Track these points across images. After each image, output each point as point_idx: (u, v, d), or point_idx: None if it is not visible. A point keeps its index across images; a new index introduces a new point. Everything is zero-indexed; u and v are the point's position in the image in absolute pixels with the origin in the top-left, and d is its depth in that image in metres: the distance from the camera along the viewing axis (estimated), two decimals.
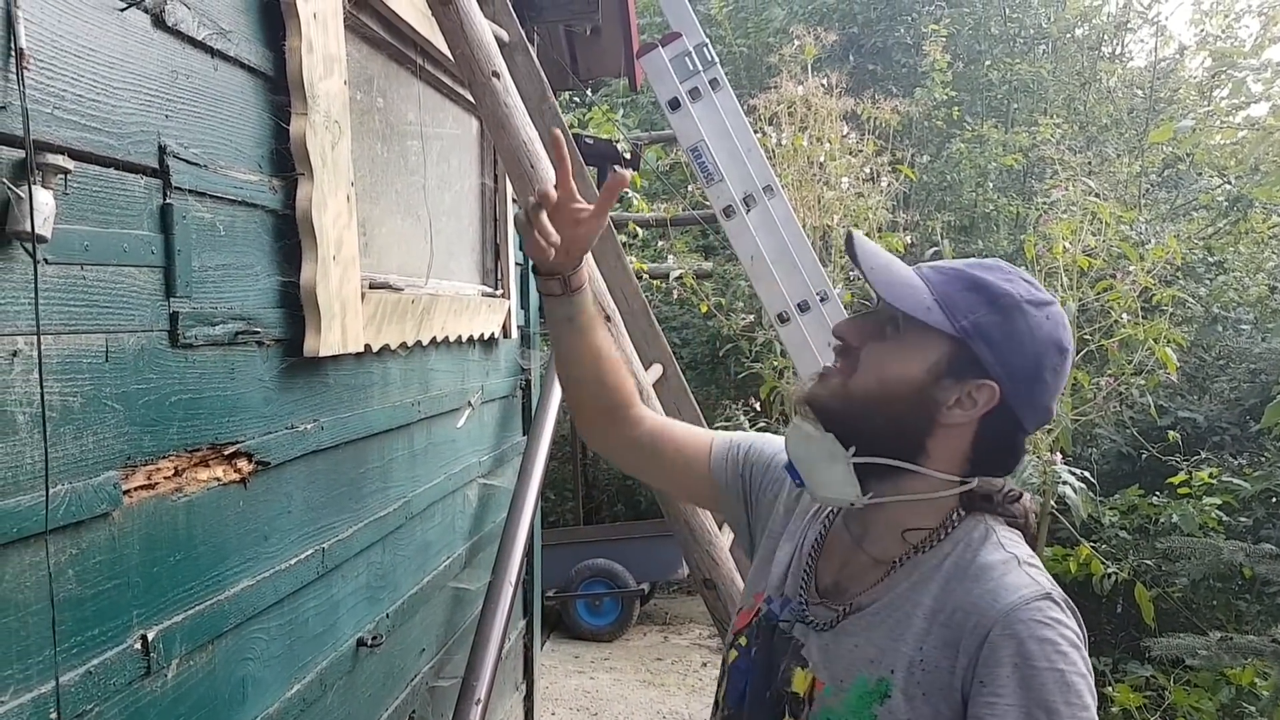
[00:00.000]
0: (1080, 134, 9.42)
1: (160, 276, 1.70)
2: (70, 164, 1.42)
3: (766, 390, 6.84)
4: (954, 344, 1.25)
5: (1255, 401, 7.73)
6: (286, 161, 2.13)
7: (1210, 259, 8.51)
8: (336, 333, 2.32)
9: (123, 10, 1.59)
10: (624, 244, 8.06)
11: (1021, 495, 1.35)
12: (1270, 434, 6.44)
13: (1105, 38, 10.26)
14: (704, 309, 7.46)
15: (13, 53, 1.35)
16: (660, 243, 8.54)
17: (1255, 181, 7.22)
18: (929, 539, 1.29)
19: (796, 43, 6.80)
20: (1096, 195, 6.22)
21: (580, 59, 5.72)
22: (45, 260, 1.41)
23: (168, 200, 1.71)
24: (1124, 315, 5.84)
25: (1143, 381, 5.86)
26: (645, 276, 7.73)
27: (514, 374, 4.50)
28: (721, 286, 8.01)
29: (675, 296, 7.70)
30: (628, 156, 6.34)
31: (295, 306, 2.18)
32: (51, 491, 1.41)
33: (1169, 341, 5.71)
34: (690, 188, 8.26)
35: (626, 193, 8.14)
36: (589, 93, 9.17)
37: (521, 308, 4.67)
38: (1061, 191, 6.03)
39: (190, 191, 1.78)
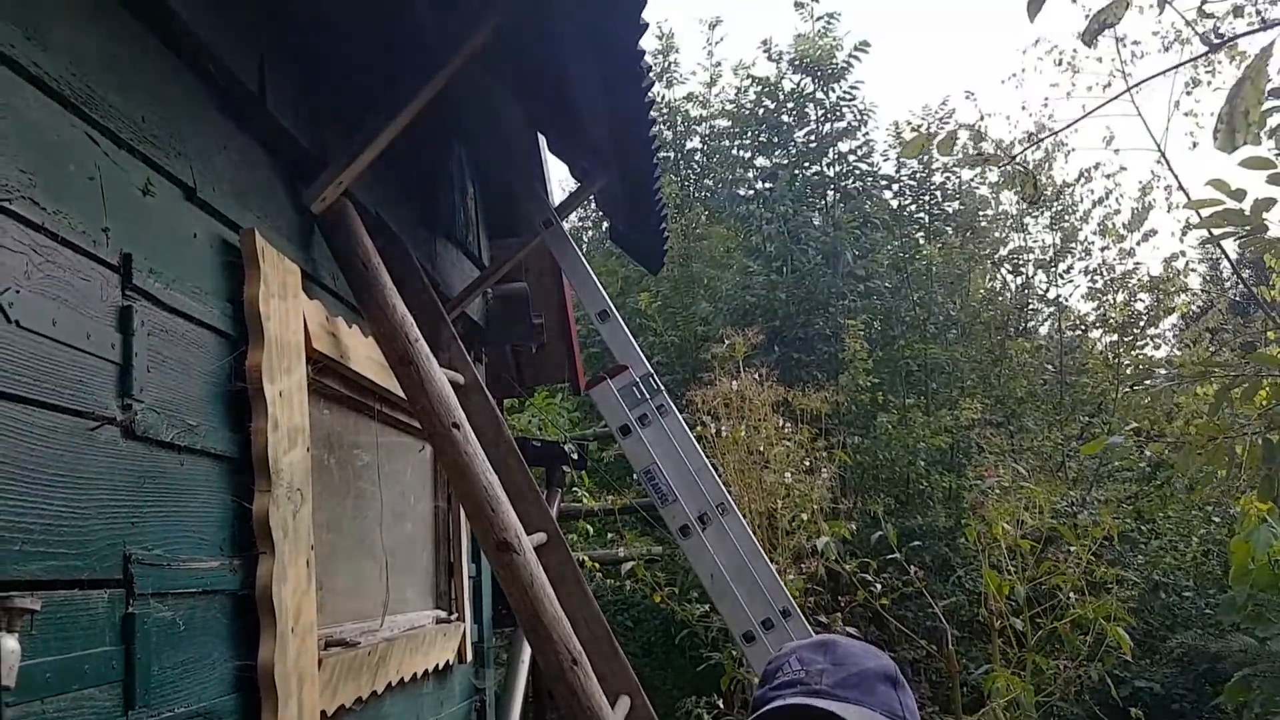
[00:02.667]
0: (999, 408, 9.87)
1: (119, 691, 1.62)
2: (37, 603, 1.38)
3: (727, 681, 6.62)
4: None
5: (1206, 666, 7.71)
6: (248, 540, 2.10)
7: (1143, 525, 8.75)
8: (293, 710, 2.20)
9: (93, 429, 1.60)
10: (573, 542, 8.01)
11: None
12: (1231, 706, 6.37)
13: (1010, 318, 10.99)
14: (656, 599, 7.32)
15: None
16: (609, 534, 8.50)
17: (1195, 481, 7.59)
18: None
19: (727, 342, 7.14)
20: (1026, 477, 6.45)
21: (525, 370, 5.91)
22: (6, 704, 1.34)
23: (130, 609, 1.65)
24: (1071, 594, 5.90)
25: (1101, 653, 5.83)
26: (594, 566, 7.63)
27: (468, 697, 4.30)
28: (672, 570, 7.93)
29: (628, 587, 7.57)
30: (574, 457, 6.43)
31: (252, 689, 2.07)
32: None
33: (1119, 620, 5.75)
34: (636, 474, 8.36)
35: (574, 489, 8.17)
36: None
37: (475, 622, 4.54)
38: (993, 478, 6.23)
39: (152, 595, 1.73)
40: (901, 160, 11.75)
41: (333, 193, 2.67)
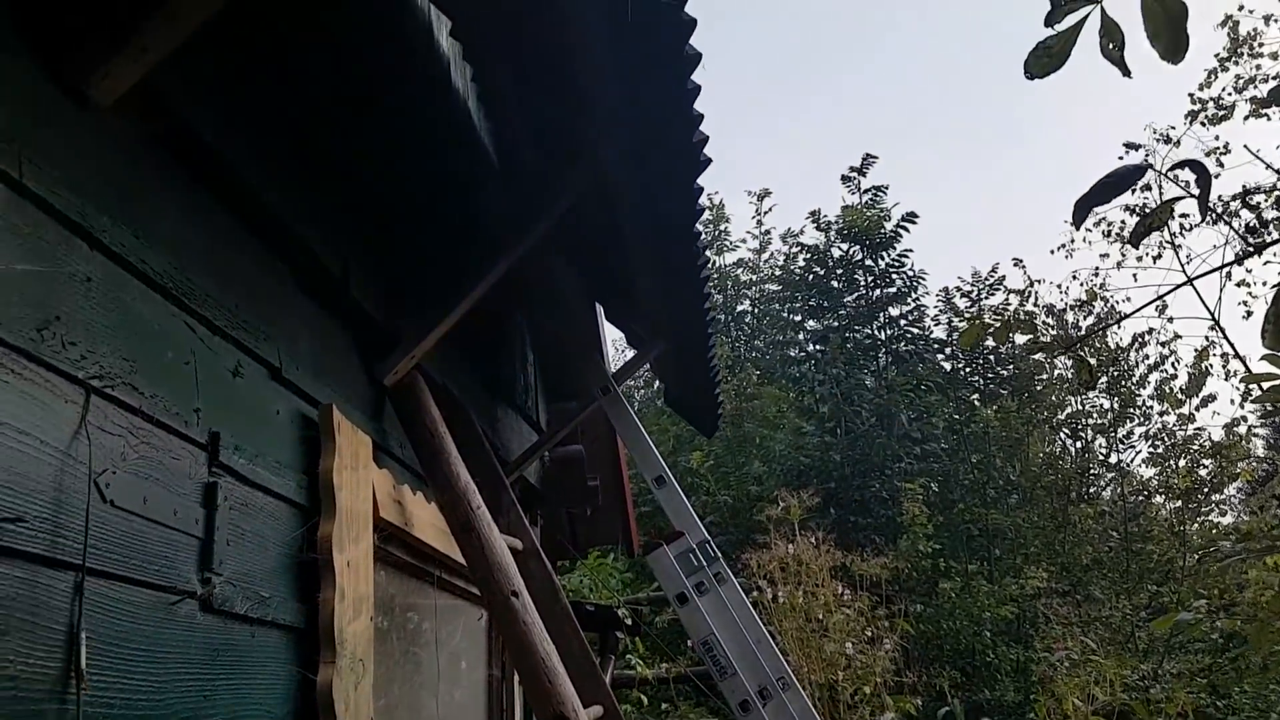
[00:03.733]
0: (1065, 576, 9.58)
1: None
2: None
3: None
4: None
5: None
6: (310, 712, 2.10)
7: (1219, 700, 8.28)
8: None
9: (174, 604, 1.66)
10: (626, 713, 7.78)
11: None
12: None
13: (1071, 483, 10.80)
14: None
15: (73, 675, 1.38)
16: (663, 704, 8.25)
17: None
18: None
19: (782, 504, 7.10)
20: (1095, 649, 6.21)
21: (580, 531, 5.92)
22: None
23: None
24: None
25: None
26: None
27: None
28: None
29: None
30: (628, 622, 6.33)
31: None
32: None
33: None
34: (691, 641, 8.17)
35: (627, 655, 8.01)
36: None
37: None
38: (1062, 650, 6.02)
39: None
40: (954, 324, 11.86)
41: (404, 366, 2.79)
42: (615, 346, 11.33)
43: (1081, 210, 1.28)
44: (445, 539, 3.04)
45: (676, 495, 3.67)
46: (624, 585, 10.04)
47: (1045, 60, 1.25)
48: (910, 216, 12.09)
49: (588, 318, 4.87)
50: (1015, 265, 15.56)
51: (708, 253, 11.82)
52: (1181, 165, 1.37)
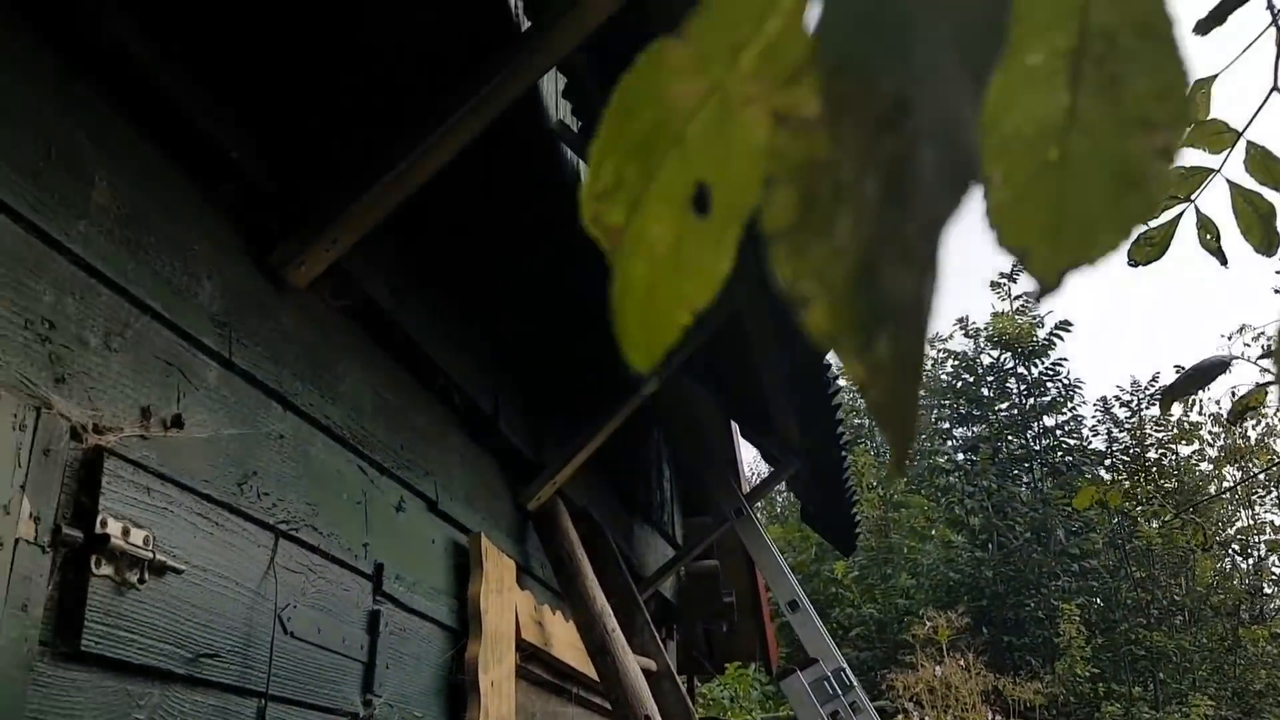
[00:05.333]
0: (1236, 702, 8.90)
1: None
2: None
3: None
4: None
5: None
6: None
7: None
8: None
9: None
10: None
11: None
12: None
13: (1241, 603, 10.10)
14: None
15: None
16: None
17: None
18: None
19: (929, 624, 6.93)
20: None
21: (716, 646, 5.94)
22: None
23: None
24: None
25: None
26: None
27: None
28: None
29: None
30: None
31: None
32: None
33: None
34: None
35: None
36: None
37: None
38: None
39: None
40: (1114, 435, 11.39)
41: (546, 492, 2.97)
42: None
43: (1168, 400, 1.33)
44: (581, 656, 3.17)
45: (810, 621, 3.70)
46: (765, 698, 9.85)
47: (1148, 250, 1.34)
48: (1064, 325, 11.80)
49: (723, 436, 4.99)
50: (1176, 372, 14.81)
51: None
52: (1266, 355, 1.40)
